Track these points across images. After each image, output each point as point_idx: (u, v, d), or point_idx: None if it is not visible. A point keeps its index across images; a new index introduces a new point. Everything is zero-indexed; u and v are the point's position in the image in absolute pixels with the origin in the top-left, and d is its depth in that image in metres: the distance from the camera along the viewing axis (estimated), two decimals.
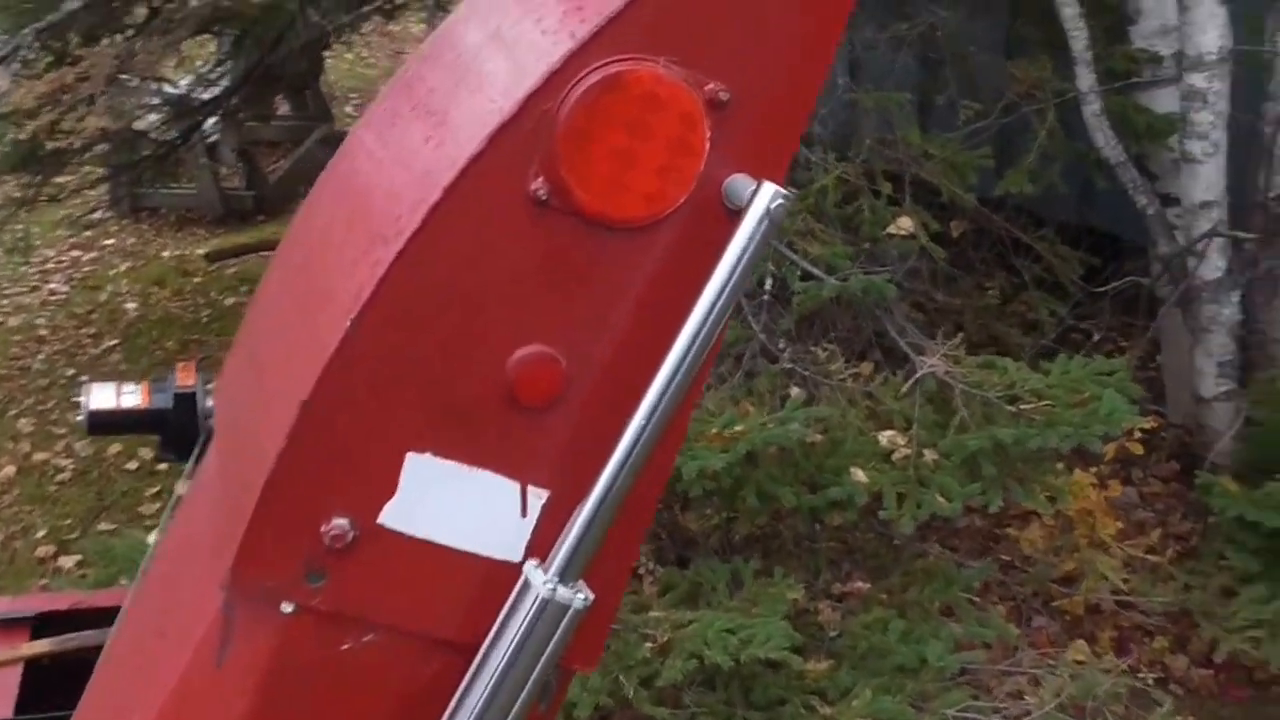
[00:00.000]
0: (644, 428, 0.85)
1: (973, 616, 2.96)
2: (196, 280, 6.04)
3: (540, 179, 0.82)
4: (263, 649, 0.89)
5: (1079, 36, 3.57)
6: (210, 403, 1.19)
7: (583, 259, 0.85)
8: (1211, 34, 3.26)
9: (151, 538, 3.26)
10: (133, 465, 4.47)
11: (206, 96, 5.47)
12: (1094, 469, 3.42)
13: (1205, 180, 3.42)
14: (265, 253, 6.04)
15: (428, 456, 0.87)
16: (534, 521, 0.91)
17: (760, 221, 0.82)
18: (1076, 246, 4.26)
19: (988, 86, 4.00)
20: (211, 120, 5.81)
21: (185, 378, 1.22)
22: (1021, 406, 2.95)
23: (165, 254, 6.42)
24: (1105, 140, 3.66)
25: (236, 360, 1.11)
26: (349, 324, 0.82)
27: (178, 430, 1.20)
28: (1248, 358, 3.63)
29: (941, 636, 2.85)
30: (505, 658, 0.87)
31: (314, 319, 0.88)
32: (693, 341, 0.84)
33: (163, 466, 4.15)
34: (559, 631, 0.88)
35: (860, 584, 3.26)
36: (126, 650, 1.10)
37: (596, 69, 0.80)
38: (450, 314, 0.84)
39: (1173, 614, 3.29)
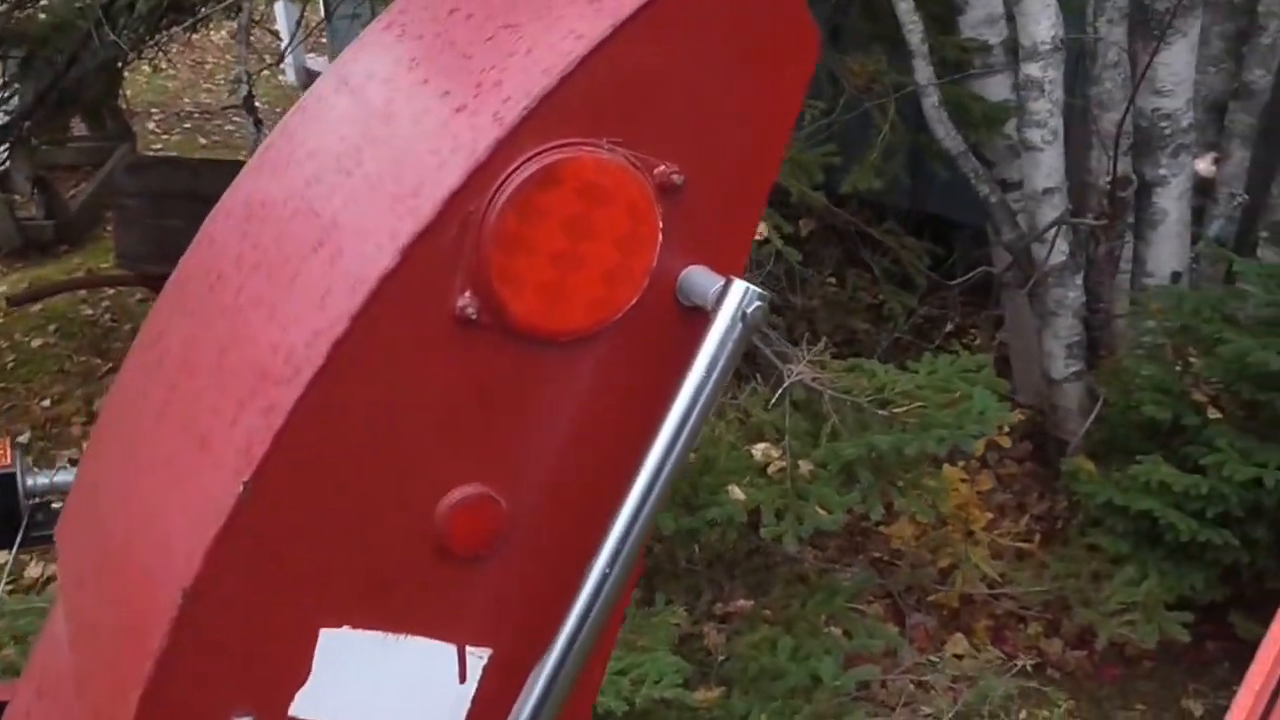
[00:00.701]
0: (610, 566, 0.72)
1: (861, 628, 2.92)
2: None
3: (468, 294, 0.67)
4: None
5: (915, 30, 3.56)
6: (31, 481, 1.05)
7: (519, 380, 0.71)
8: (1044, 24, 3.29)
9: None
10: None
11: None
12: (961, 463, 3.44)
13: (1047, 167, 3.46)
14: (78, 291, 5.62)
15: (344, 630, 0.72)
16: (475, 686, 0.77)
17: (733, 324, 0.69)
18: (920, 236, 4.30)
19: (827, 82, 3.98)
20: (1, 148, 5.34)
21: None
22: (893, 410, 2.93)
23: None
24: (945, 132, 3.67)
25: (86, 486, 0.92)
26: (241, 489, 0.66)
27: None
28: (1092, 337, 3.72)
29: (832, 652, 2.80)
30: None
31: (189, 474, 0.71)
32: (661, 466, 0.71)
33: None
34: None
35: (743, 601, 3.19)
36: None
37: (530, 159, 0.66)
38: (365, 464, 0.68)
39: (1044, 599, 3.34)
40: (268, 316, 0.73)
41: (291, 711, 0.71)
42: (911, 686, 3.03)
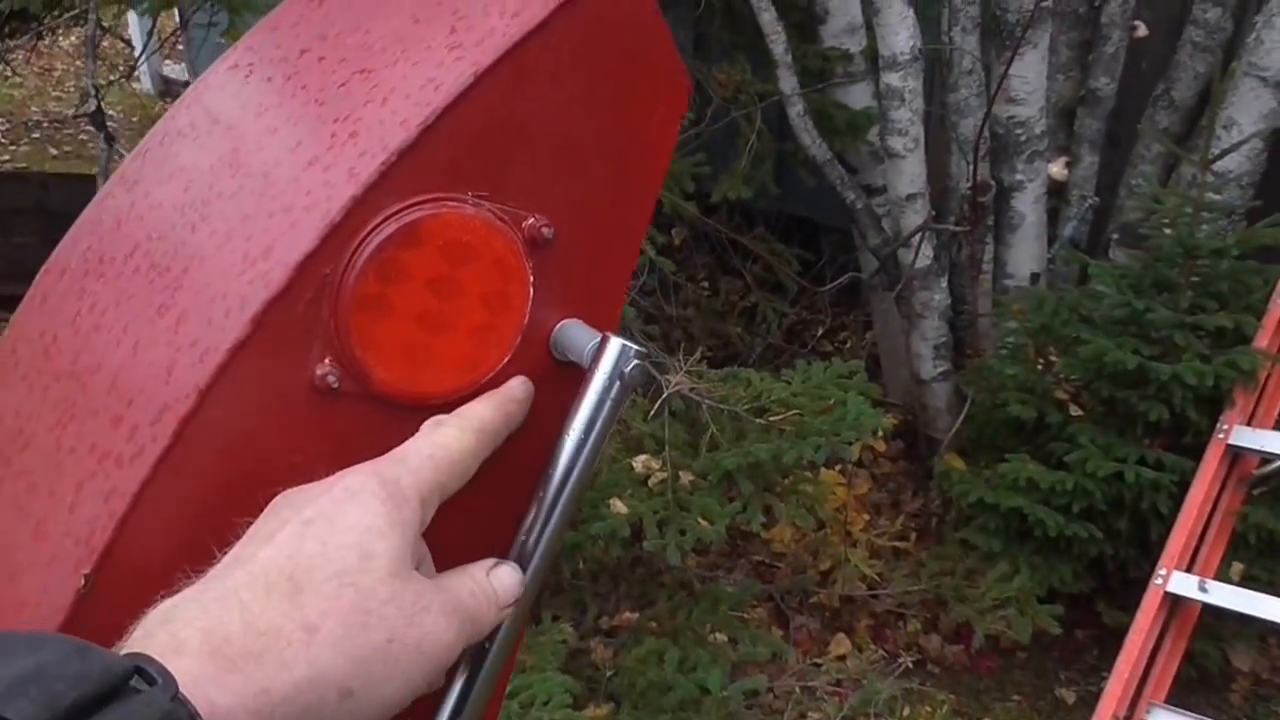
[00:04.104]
0: (489, 640, 0.68)
1: (746, 634, 2.93)
2: None
3: (327, 361, 0.63)
4: None
5: (778, 40, 3.60)
6: None
7: (386, 449, 0.67)
8: (903, 35, 3.36)
9: None
10: None
11: None
12: (839, 466, 3.49)
13: (909, 173, 3.54)
14: None
15: None
16: None
17: (610, 383, 0.67)
18: (790, 242, 4.36)
19: (694, 92, 4.00)
20: None
21: None
22: (770, 418, 2.95)
23: None
24: (811, 140, 3.72)
25: None
26: (81, 583, 0.60)
27: None
28: (958, 338, 3.82)
29: (718, 661, 2.81)
30: None
31: (25, 567, 0.65)
32: (543, 529, 0.68)
33: None
34: None
35: (629, 614, 3.18)
36: None
37: (390, 218, 0.62)
38: (220, 548, 0.63)
39: (921, 596, 3.41)
40: (108, 387, 0.67)
41: None
42: (798, 691, 3.06)
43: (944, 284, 3.68)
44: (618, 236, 0.71)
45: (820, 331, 4.38)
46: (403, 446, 0.62)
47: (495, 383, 0.69)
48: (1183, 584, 2.58)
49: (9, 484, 0.72)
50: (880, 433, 2.92)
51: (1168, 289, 2.93)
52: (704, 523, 2.83)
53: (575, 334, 0.68)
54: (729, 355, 4.24)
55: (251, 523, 0.59)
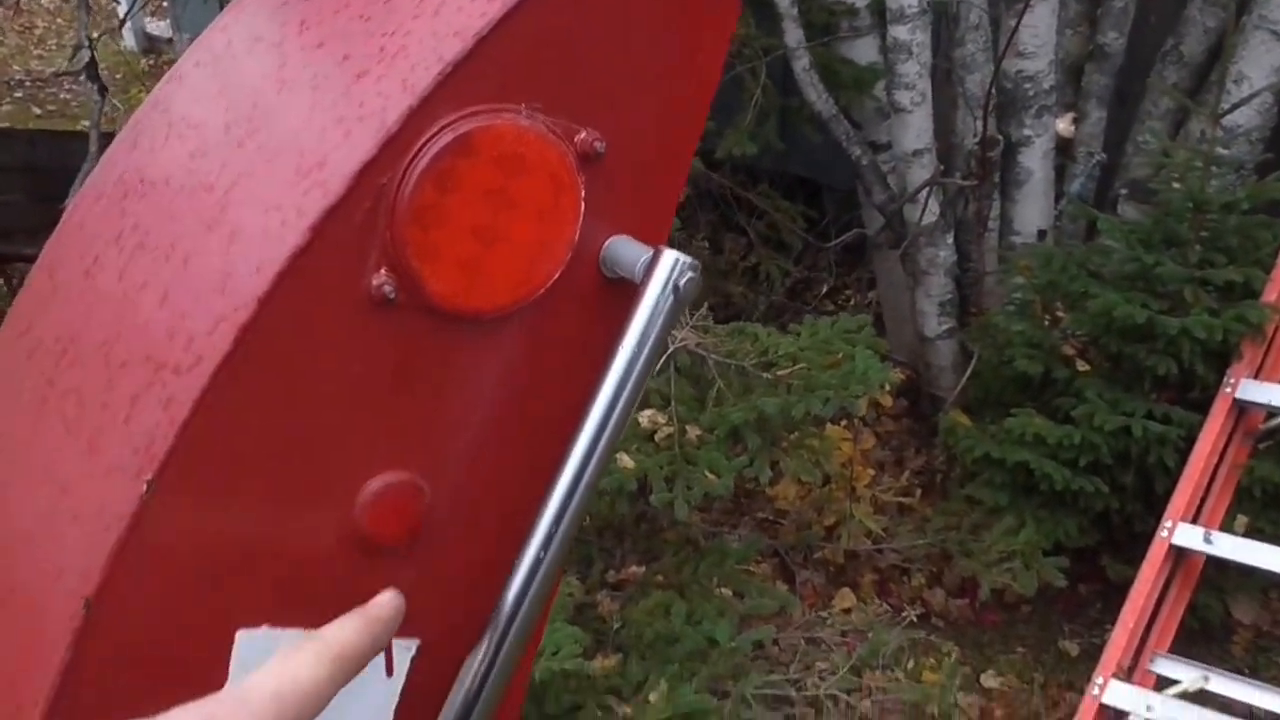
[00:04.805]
0: (544, 550, 0.69)
1: (752, 588, 2.95)
2: None
3: (383, 272, 0.63)
4: None
5: None
6: None
7: (440, 361, 0.67)
8: None
9: None
10: None
11: None
12: (844, 422, 3.50)
13: (916, 128, 3.52)
14: None
15: (262, 630, 0.67)
16: (403, 679, 0.73)
17: (664, 296, 0.67)
18: (794, 199, 4.35)
19: None
20: None
21: None
22: (777, 373, 2.95)
23: None
24: (817, 95, 3.71)
25: None
26: (144, 488, 0.61)
27: None
28: (963, 295, 3.81)
29: (725, 614, 2.83)
30: None
31: (78, 480, 0.65)
32: (594, 445, 0.68)
33: None
34: None
35: (635, 568, 3.20)
36: None
37: (445, 128, 0.62)
38: (278, 455, 0.64)
39: (926, 551, 3.43)
40: (159, 301, 0.67)
41: None
42: (804, 643, 3.08)
43: (949, 240, 3.68)
44: (668, 153, 0.71)
45: (824, 290, 4.38)
46: (249, 681, 0.59)
47: (546, 298, 0.69)
48: (1188, 536, 2.60)
49: (55, 402, 0.72)
50: (888, 387, 2.92)
51: (1176, 244, 2.93)
52: (711, 476, 2.84)
53: (626, 249, 0.69)
54: (731, 314, 4.24)
55: None
